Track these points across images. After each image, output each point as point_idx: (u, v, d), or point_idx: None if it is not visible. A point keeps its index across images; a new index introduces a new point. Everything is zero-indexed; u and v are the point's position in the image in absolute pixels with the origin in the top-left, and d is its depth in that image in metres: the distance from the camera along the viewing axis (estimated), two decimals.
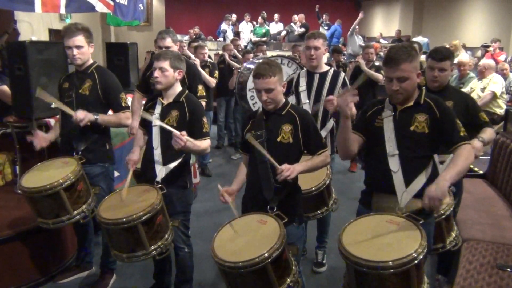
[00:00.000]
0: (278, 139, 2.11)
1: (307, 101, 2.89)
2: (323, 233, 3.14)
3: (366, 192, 2.09)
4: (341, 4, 16.24)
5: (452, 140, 1.91)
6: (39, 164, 2.58)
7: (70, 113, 2.50)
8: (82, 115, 2.51)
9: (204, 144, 2.42)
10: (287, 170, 1.97)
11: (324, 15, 12.13)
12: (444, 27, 13.04)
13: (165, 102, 2.50)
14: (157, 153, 2.44)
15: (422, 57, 8.25)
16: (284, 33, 11.91)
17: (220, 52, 6.81)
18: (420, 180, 1.91)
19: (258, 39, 10.94)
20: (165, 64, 2.44)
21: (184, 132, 2.23)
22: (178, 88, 2.53)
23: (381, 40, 12.68)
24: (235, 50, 6.45)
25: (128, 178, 2.41)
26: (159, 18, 10.40)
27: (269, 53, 7.54)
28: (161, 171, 2.40)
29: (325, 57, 3.27)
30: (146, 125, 2.56)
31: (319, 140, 2.19)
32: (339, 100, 1.92)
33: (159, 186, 2.35)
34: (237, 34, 11.57)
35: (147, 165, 2.47)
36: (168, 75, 2.45)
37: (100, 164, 2.68)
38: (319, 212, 2.59)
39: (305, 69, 3.00)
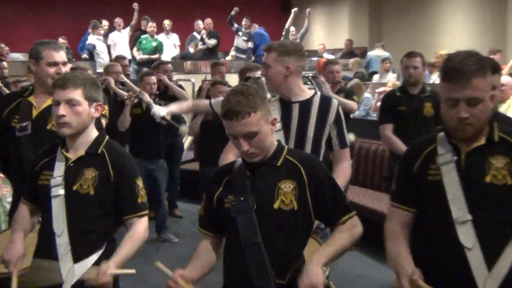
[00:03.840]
0: (276, 206, 2.14)
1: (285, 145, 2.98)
2: None
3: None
4: (262, 4, 17.07)
5: None
6: None
7: None
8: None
9: (141, 229, 2.49)
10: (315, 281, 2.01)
11: (244, 20, 12.49)
12: (414, 36, 13.94)
13: (72, 156, 2.50)
14: (63, 242, 2.38)
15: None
16: (191, 47, 12.14)
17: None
18: (508, 257, 1.94)
19: (146, 56, 11.06)
20: (76, 95, 2.44)
21: (108, 267, 2.29)
22: (93, 132, 2.55)
23: (325, 55, 13.46)
24: (123, 75, 6.68)
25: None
26: None
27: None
28: (71, 273, 2.33)
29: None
30: (37, 195, 2.54)
31: (341, 199, 2.24)
32: None
33: None
34: (108, 49, 11.62)
35: (42, 265, 2.39)
36: (81, 111, 2.45)
37: None
38: None
39: (274, 97, 3.12)
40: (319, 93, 3.18)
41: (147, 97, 5.65)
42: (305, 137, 3.02)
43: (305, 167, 2.19)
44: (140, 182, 2.53)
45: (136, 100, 5.70)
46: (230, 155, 2.95)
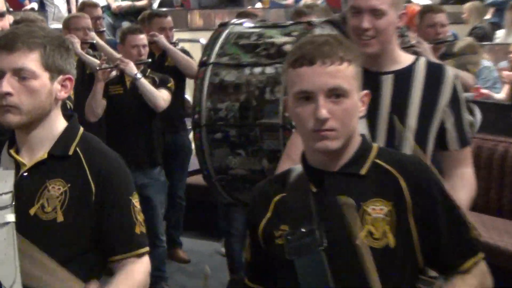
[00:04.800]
0: (361, 241, 2.17)
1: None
2: None
3: None
4: None
5: None
6: None
7: None
8: None
9: (141, 272, 2.58)
10: None
11: None
12: None
13: (27, 159, 2.56)
14: None
15: None
16: None
17: None
18: None
19: (128, 3, 11.16)
20: (30, 61, 2.46)
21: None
22: (59, 122, 2.61)
23: None
24: (93, 33, 6.84)
25: None
26: None
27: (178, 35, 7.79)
28: None
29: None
30: None
31: (464, 232, 2.30)
32: None
33: None
34: None
35: None
36: (38, 88, 2.48)
37: None
38: None
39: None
40: (423, 57, 3.26)
41: (132, 68, 5.71)
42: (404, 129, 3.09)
43: (407, 177, 2.22)
44: (136, 201, 2.60)
45: (114, 73, 5.77)
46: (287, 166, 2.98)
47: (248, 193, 5.06)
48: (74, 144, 2.55)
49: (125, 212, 2.55)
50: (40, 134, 2.54)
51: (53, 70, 2.49)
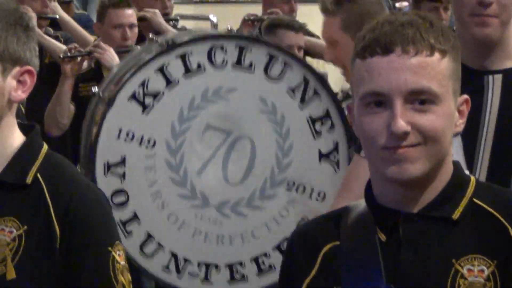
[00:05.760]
0: None
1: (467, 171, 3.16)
2: None
3: None
4: None
5: None
6: None
7: None
8: None
9: None
10: None
11: None
12: None
13: None
14: None
15: None
16: None
17: None
18: None
19: None
20: None
21: None
22: (13, 134, 2.67)
23: None
24: (55, 3, 7.10)
25: None
26: None
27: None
28: None
29: None
30: None
31: None
32: None
33: None
34: None
35: None
36: None
37: None
38: None
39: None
40: None
41: (112, 58, 5.74)
42: None
43: None
44: (120, 255, 2.60)
45: (87, 63, 5.79)
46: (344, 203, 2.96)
47: None
48: (35, 168, 2.60)
49: (100, 269, 2.55)
50: None
51: (6, 60, 2.52)
